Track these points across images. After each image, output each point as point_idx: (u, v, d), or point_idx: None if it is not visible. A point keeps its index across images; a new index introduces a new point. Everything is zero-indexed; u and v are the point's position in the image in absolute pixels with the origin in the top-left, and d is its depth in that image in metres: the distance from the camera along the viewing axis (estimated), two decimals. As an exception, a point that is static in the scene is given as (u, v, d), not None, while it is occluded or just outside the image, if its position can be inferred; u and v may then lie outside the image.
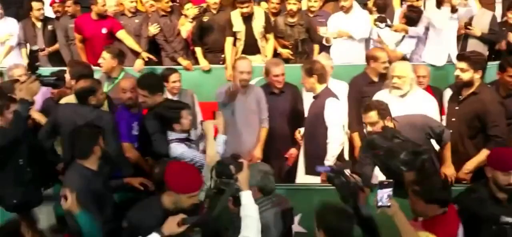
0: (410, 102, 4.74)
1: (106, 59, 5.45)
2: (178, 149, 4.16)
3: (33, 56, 4.06)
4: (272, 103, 5.33)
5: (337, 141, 4.76)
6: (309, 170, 4.97)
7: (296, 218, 4.45)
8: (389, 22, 6.20)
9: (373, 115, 4.08)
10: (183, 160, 4.04)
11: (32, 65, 3.98)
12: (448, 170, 4.34)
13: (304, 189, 4.70)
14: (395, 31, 6.28)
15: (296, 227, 4.46)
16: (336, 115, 4.76)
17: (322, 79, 4.81)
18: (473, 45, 6.35)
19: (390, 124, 4.07)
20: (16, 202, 4.13)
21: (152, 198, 3.52)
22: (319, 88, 4.83)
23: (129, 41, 6.54)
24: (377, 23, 6.11)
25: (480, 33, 6.37)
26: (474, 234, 3.57)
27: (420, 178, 3.21)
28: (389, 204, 2.95)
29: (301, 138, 5.30)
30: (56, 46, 7.15)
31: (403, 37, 6.43)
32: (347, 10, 6.56)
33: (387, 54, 6.01)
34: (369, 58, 5.42)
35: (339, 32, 6.50)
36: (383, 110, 4.12)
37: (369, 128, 4.11)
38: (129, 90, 4.82)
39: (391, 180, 2.94)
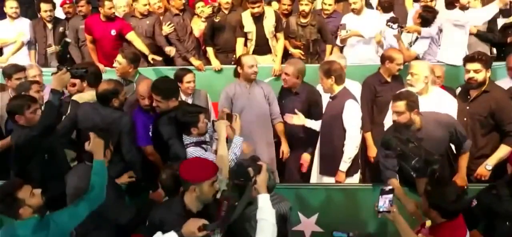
0: (427, 101, 4.66)
1: (121, 63, 5.37)
2: (194, 153, 4.11)
3: (65, 49, 4.10)
4: (289, 103, 5.31)
5: (354, 143, 4.76)
6: (323, 170, 4.97)
7: (314, 217, 4.48)
8: (400, 23, 6.19)
9: (401, 105, 4.05)
10: None
11: (63, 57, 4.07)
12: (461, 180, 4.28)
13: (321, 188, 4.67)
14: (408, 32, 6.24)
15: (313, 227, 4.48)
16: (355, 116, 4.77)
17: (340, 80, 4.79)
18: (474, 44, 6.49)
19: (416, 117, 4.07)
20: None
21: (174, 198, 3.48)
22: (337, 89, 4.81)
23: (138, 43, 6.46)
24: (389, 24, 6.09)
25: (476, 31, 6.49)
26: (492, 230, 3.61)
27: (432, 186, 3.19)
28: (389, 209, 3.13)
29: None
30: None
31: (417, 37, 6.40)
32: (358, 11, 6.54)
33: (402, 50, 6.06)
34: (386, 58, 5.37)
35: (350, 33, 6.48)
36: (412, 102, 4.09)
37: (395, 117, 4.09)
38: (147, 97, 4.76)
39: (391, 187, 3.04)
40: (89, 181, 3.32)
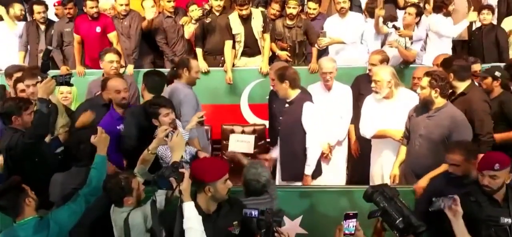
0: (395, 104, 4.75)
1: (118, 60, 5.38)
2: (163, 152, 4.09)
3: (47, 56, 4.14)
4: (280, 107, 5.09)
5: (316, 145, 4.69)
6: (285, 176, 4.84)
7: (298, 220, 4.46)
8: (396, 24, 6.16)
9: (425, 81, 4.20)
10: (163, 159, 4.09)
11: (46, 65, 4.06)
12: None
13: (305, 190, 4.58)
14: (400, 35, 6.20)
15: (297, 229, 4.46)
16: (314, 118, 4.67)
17: (294, 84, 4.67)
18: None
19: (436, 96, 4.18)
20: None
21: None
22: (293, 93, 4.70)
23: (116, 45, 6.52)
24: (387, 22, 6.12)
25: None
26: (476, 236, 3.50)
27: None
28: (353, 233, 3.03)
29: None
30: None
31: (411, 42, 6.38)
32: (344, 13, 6.47)
33: (402, 53, 6.16)
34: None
35: (331, 40, 6.41)
36: (435, 80, 4.16)
37: (419, 91, 4.28)
38: (123, 90, 4.62)
39: (356, 212, 2.98)
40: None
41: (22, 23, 7.15)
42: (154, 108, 4.17)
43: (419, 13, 6.44)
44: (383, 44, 6.53)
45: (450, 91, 4.48)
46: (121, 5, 6.61)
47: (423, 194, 4.00)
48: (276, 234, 2.83)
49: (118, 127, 4.47)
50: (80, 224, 3.34)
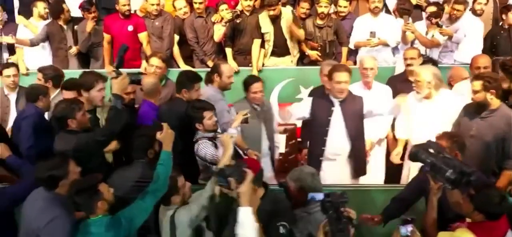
0: (433, 106, 4.67)
1: (161, 67, 5.27)
2: (202, 149, 4.08)
3: (124, 52, 4.08)
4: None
5: None
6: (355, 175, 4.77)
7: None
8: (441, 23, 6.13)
9: (477, 85, 4.12)
10: (206, 160, 4.08)
11: (121, 61, 4.02)
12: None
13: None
14: (441, 33, 6.13)
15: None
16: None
17: None
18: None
19: (492, 98, 4.09)
20: None
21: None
22: None
23: (146, 46, 6.50)
24: (431, 18, 6.09)
25: None
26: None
27: (477, 190, 3.08)
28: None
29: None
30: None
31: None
32: (376, 13, 6.41)
33: (423, 41, 6.08)
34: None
35: (379, 41, 6.38)
36: (489, 83, 4.09)
37: (472, 95, 4.19)
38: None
39: (414, 217, 2.93)
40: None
41: (42, 24, 6.99)
42: (198, 112, 4.14)
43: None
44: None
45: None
46: (153, 5, 6.51)
47: (411, 183, 4.00)
48: (344, 213, 2.74)
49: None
50: None
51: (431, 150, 3.07)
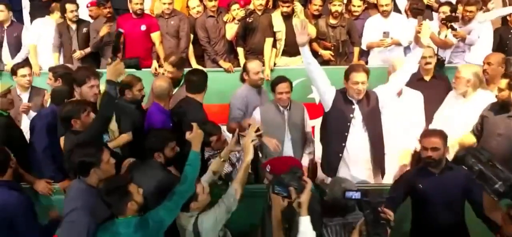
0: (467, 105, 4.65)
1: (173, 72, 5.17)
2: None
3: (118, 38, 4.07)
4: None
5: None
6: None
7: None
8: (454, 26, 6.07)
9: (503, 83, 4.13)
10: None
11: (116, 48, 3.98)
12: None
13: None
14: (455, 36, 6.08)
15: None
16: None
17: None
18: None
19: None
20: None
21: None
22: None
23: (159, 46, 6.44)
24: (446, 23, 6.05)
25: None
26: None
27: None
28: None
29: None
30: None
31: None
32: (386, 15, 6.38)
33: (437, 41, 6.03)
34: None
35: (392, 40, 6.34)
36: None
37: (497, 93, 4.19)
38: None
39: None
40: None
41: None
42: (206, 138, 3.96)
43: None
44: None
45: None
46: (165, 4, 6.45)
47: (398, 182, 3.99)
48: (381, 214, 2.68)
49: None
50: None
51: (480, 157, 2.91)
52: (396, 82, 4.27)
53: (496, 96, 4.22)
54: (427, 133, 3.84)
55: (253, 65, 5.09)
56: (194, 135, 3.35)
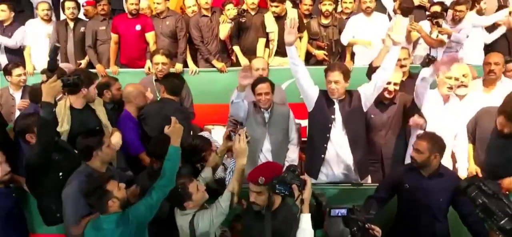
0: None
1: (167, 63, 5.17)
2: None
3: (54, 54, 3.69)
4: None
5: None
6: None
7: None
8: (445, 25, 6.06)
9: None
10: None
11: (53, 63, 3.63)
12: None
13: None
14: (440, 32, 6.05)
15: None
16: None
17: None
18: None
19: None
20: (60, 216, 3.73)
21: None
22: None
23: (152, 45, 6.41)
24: (432, 20, 6.02)
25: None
26: None
27: None
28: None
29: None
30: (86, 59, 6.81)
31: None
32: (369, 13, 6.32)
33: (429, 41, 6.01)
34: None
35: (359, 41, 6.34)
36: None
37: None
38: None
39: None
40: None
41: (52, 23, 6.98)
42: (198, 157, 4.07)
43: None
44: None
45: None
46: (155, 3, 6.46)
47: (385, 182, 3.99)
48: (369, 231, 2.63)
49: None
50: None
51: (485, 189, 2.69)
52: (376, 80, 4.16)
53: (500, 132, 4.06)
54: (419, 135, 3.81)
55: (254, 61, 5.08)
56: (173, 130, 3.35)
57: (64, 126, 3.90)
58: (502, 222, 2.52)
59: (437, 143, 3.67)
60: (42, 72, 3.90)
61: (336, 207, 2.79)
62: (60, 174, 3.63)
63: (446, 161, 4.33)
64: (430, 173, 3.69)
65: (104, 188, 3.04)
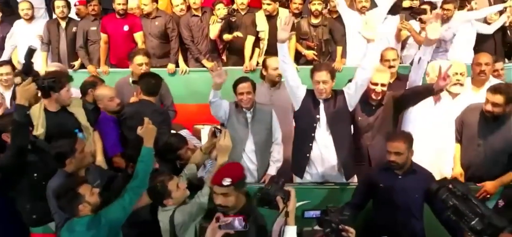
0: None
1: (148, 62, 5.18)
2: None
3: (29, 56, 3.58)
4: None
5: None
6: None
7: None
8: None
9: (499, 98, 3.98)
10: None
11: (28, 66, 3.56)
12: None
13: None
14: (422, 29, 5.98)
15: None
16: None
17: None
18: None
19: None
20: (36, 217, 3.85)
21: None
22: None
23: (141, 45, 6.37)
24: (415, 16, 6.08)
25: None
26: None
27: None
28: None
29: None
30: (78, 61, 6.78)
31: None
32: (364, 12, 6.19)
33: (419, 39, 6.00)
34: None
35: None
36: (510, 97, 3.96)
37: (490, 108, 4.02)
38: (116, 96, 4.58)
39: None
40: None
41: (43, 22, 6.94)
42: (173, 155, 4.07)
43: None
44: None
45: None
46: (146, 5, 6.45)
47: (359, 189, 4.04)
48: (343, 233, 2.62)
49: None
50: (129, 225, 3.25)
51: (455, 190, 2.76)
52: (357, 79, 4.14)
53: (487, 111, 4.08)
54: (391, 137, 3.80)
55: (272, 61, 4.97)
56: (145, 130, 3.32)
57: (39, 129, 3.86)
58: (473, 222, 2.61)
59: (408, 139, 3.71)
60: (16, 74, 3.84)
61: (310, 209, 2.82)
62: (35, 175, 3.68)
63: (435, 161, 4.40)
64: (404, 171, 3.72)
65: (76, 191, 3.02)
